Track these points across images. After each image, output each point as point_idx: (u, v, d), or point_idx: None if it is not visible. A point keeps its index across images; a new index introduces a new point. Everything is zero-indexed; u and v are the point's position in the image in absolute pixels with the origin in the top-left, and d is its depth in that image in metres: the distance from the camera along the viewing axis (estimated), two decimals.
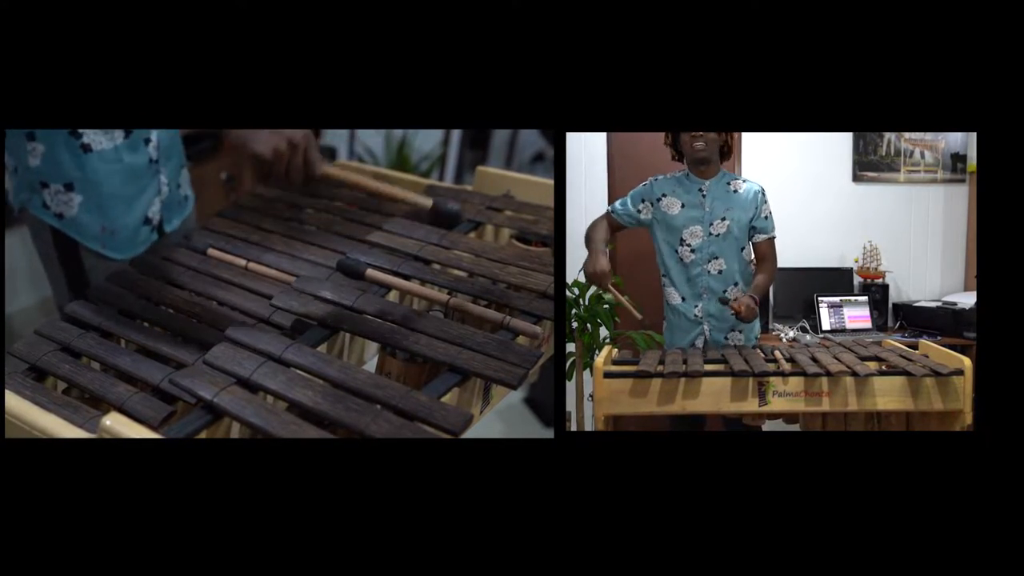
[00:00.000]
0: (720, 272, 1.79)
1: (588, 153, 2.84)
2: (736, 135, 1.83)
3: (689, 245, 1.79)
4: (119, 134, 1.57)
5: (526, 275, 1.27)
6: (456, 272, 1.33)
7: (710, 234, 1.78)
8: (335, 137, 4.21)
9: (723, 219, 1.77)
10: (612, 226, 1.89)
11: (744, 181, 1.82)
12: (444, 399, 1.00)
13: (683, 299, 1.83)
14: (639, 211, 1.83)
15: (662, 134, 1.89)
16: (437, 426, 0.93)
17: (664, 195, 1.81)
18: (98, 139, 1.55)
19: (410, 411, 0.94)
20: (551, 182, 1.64)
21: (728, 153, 1.83)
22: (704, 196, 1.78)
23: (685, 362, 1.54)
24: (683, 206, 1.78)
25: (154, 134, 1.63)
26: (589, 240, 1.85)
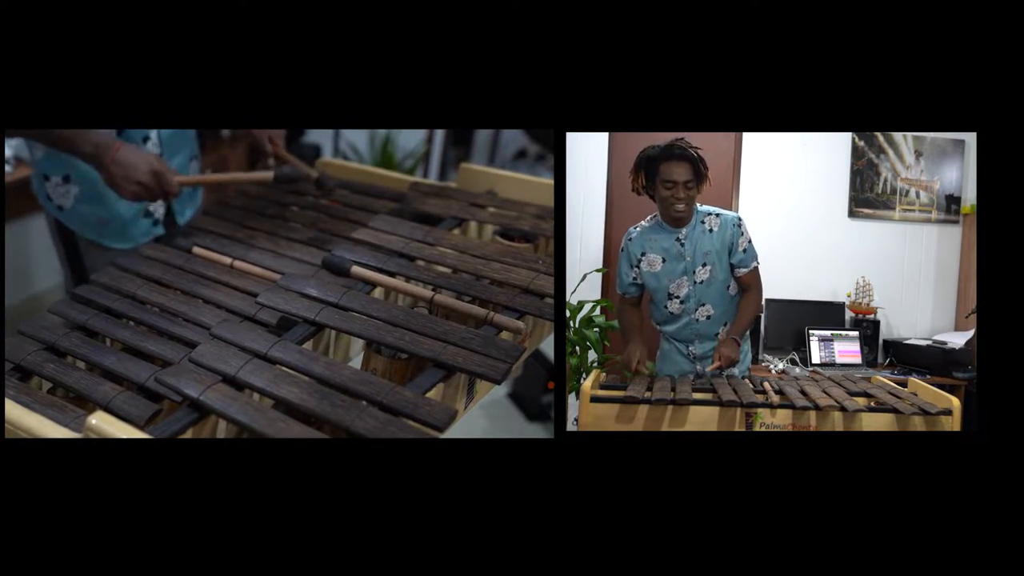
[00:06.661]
0: (709, 317, 1.76)
1: (587, 154, 2.82)
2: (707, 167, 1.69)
3: (677, 297, 1.76)
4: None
5: (509, 271, 1.28)
6: (440, 268, 1.34)
7: (695, 282, 1.74)
8: (320, 135, 4.20)
9: (704, 264, 1.73)
10: (632, 303, 1.85)
11: (718, 215, 1.73)
12: (429, 395, 1.01)
13: (675, 341, 1.82)
14: (635, 279, 1.79)
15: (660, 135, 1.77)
16: (422, 422, 0.94)
17: (644, 253, 1.76)
18: None
19: (395, 407, 0.95)
20: (534, 179, 1.65)
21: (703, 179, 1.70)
22: (683, 245, 1.73)
23: (673, 390, 1.52)
24: (664, 260, 1.74)
25: (153, 130, 1.63)
26: (623, 332, 1.85)
